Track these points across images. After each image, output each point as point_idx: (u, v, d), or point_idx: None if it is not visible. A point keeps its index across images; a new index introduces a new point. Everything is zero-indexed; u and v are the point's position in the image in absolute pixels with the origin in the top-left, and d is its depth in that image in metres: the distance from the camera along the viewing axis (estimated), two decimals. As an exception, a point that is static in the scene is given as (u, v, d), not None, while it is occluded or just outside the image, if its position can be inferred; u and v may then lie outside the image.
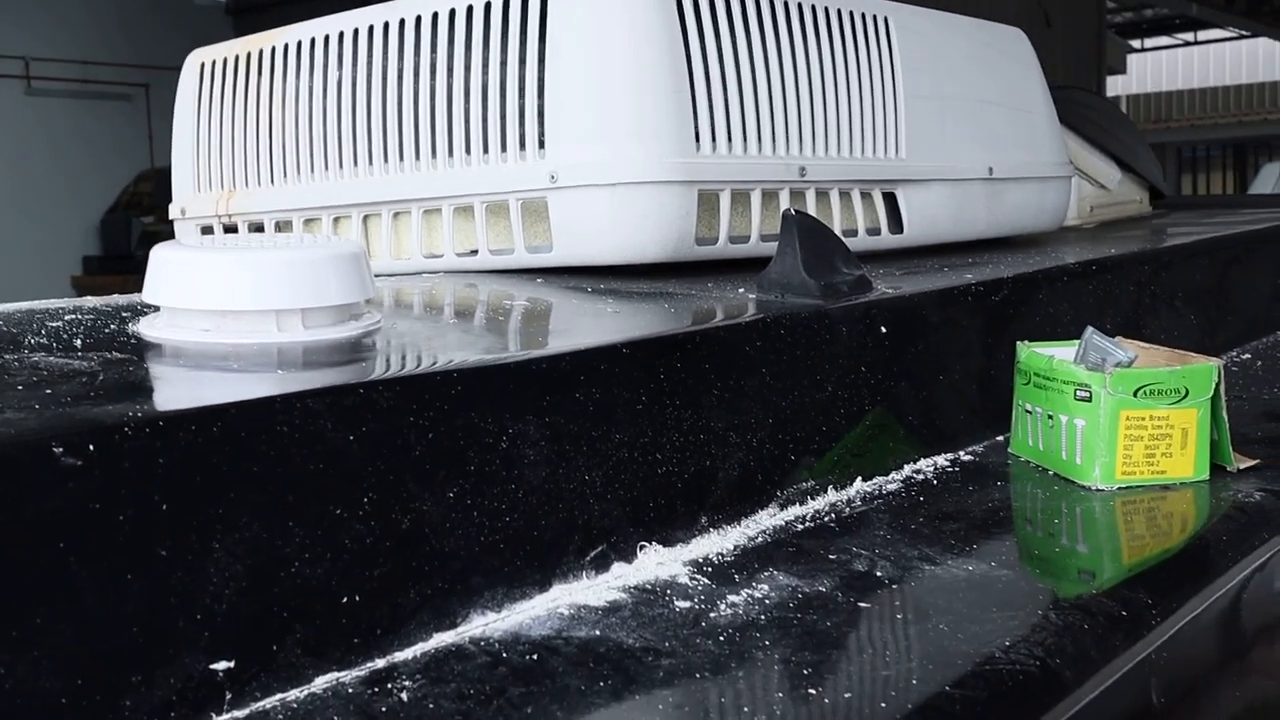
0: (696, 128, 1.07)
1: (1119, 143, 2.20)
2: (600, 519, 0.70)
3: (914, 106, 1.33)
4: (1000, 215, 1.49)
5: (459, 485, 0.64)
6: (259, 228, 1.28)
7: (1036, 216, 1.56)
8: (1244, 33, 16.00)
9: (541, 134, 1.06)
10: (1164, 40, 18.48)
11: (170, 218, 1.36)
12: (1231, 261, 1.62)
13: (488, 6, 1.10)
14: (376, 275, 1.18)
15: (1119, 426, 0.86)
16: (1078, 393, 0.88)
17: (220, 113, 1.31)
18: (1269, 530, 0.82)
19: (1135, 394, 0.86)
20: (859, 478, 0.88)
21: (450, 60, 1.12)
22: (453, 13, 1.12)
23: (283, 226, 1.27)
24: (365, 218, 1.20)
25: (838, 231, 1.23)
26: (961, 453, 0.97)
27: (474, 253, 1.13)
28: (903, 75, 1.31)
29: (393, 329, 0.81)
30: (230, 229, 1.31)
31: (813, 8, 1.21)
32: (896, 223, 1.32)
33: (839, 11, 1.24)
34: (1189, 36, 18.24)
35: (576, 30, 1.05)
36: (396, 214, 1.18)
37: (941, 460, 0.95)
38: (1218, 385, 0.88)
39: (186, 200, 1.35)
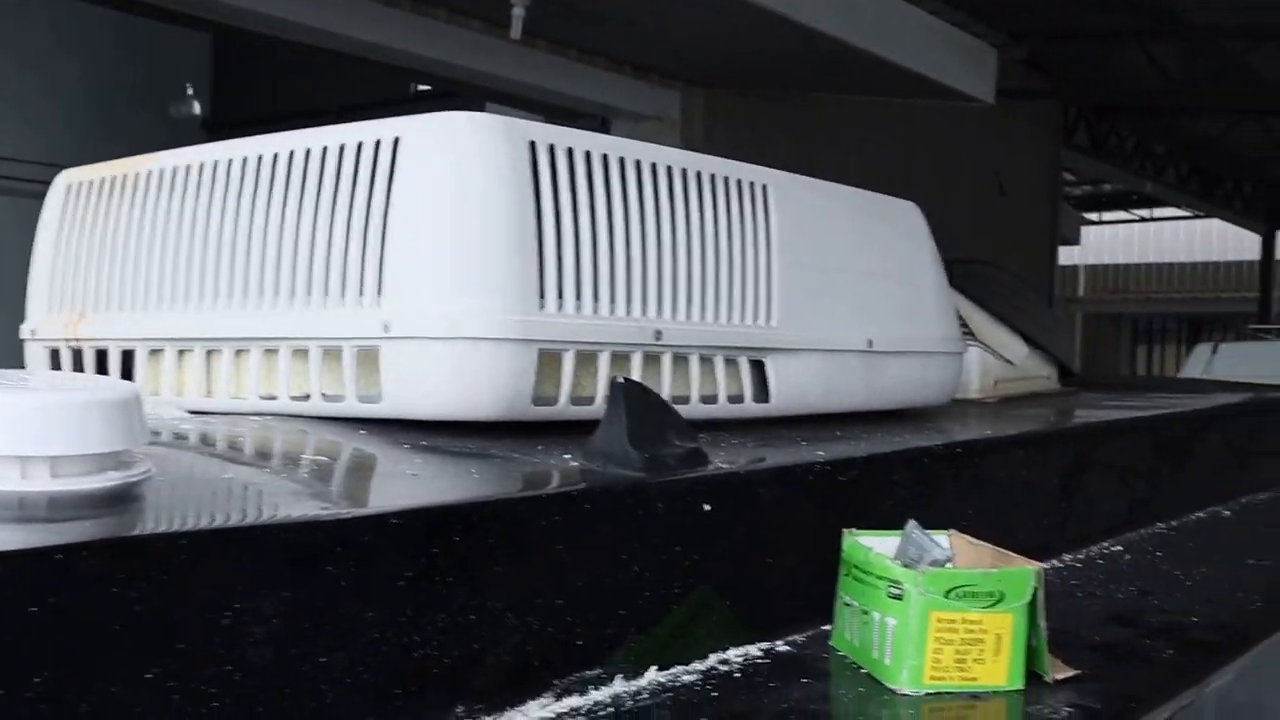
0: (541, 285, 1.04)
1: (1027, 318, 2.20)
2: (333, 706, 0.65)
3: (789, 275, 1.31)
4: (881, 388, 1.47)
5: (163, 665, 0.59)
6: (103, 354, 1.24)
7: (920, 390, 1.54)
8: (1199, 213, 16.43)
9: (380, 281, 1.03)
10: (1121, 214, 18.94)
11: (20, 337, 1.32)
12: (1114, 448, 1.60)
13: (341, 148, 1.08)
14: (213, 413, 1.14)
15: (929, 628, 0.82)
16: (890, 590, 0.84)
17: (78, 234, 1.28)
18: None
19: (947, 595, 0.82)
20: (654, 667, 0.83)
21: (301, 199, 1.10)
22: (308, 152, 1.10)
23: (128, 356, 1.22)
24: (209, 353, 1.16)
25: (695, 397, 1.21)
26: (779, 643, 0.93)
27: (308, 397, 1.09)
28: (779, 244, 1.30)
29: (162, 480, 0.76)
30: (78, 353, 1.27)
31: (683, 171, 1.20)
32: (764, 391, 1.30)
33: (711, 177, 1.23)
34: (1145, 212, 18.71)
35: (422, 179, 1.03)
36: (239, 351, 1.14)
37: (754, 650, 0.90)
38: (1036, 591, 0.84)
39: (38, 321, 1.31)
